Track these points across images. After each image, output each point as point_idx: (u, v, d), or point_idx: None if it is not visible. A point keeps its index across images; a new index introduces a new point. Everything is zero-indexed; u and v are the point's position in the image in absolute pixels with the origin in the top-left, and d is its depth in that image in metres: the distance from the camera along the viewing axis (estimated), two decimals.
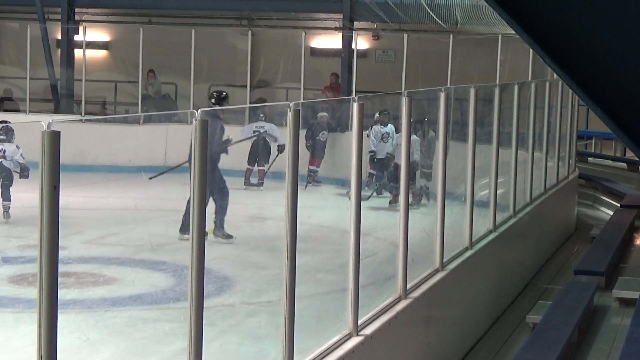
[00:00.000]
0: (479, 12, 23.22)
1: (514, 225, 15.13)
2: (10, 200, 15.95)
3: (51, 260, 4.87)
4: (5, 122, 17.76)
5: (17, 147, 16.43)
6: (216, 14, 27.66)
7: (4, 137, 16.46)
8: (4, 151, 16.42)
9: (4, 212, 15.89)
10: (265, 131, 20.99)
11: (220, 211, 14.63)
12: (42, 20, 27.24)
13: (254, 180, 21.04)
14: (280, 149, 18.78)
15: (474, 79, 19.58)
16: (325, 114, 21.32)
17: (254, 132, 20.44)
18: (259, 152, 21.19)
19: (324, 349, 8.07)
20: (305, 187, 20.17)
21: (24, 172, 16.05)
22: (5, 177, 16.22)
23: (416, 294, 10.27)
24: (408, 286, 10.12)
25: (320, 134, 21.66)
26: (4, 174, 16.23)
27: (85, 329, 10.81)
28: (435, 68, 23.83)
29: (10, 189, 16.07)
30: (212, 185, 13.51)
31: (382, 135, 19.18)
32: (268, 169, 20.54)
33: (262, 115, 21.32)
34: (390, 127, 19.03)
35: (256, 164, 21.11)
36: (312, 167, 21.35)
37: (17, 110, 27.45)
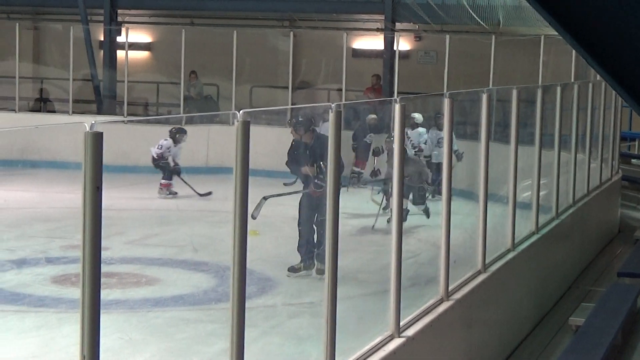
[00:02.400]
0: (521, 13, 23.13)
1: (556, 227, 15.06)
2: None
3: (94, 261, 4.89)
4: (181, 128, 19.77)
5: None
6: (258, 15, 27.69)
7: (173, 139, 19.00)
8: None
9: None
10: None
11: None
12: (85, 22, 27.39)
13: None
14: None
15: (516, 80, 19.45)
16: (374, 116, 21.23)
17: None
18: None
19: (366, 350, 8.06)
20: (347, 190, 20.18)
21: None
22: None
23: (458, 295, 10.25)
24: (450, 288, 10.10)
25: (367, 136, 21.60)
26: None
27: (127, 330, 10.85)
28: (477, 69, 23.73)
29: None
30: None
31: (439, 140, 18.86)
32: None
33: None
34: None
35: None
36: (356, 169, 21.29)
37: (53, 111, 27.64)
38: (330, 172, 7.46)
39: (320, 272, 11.92)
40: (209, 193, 18.48)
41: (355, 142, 21.28)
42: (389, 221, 15.77)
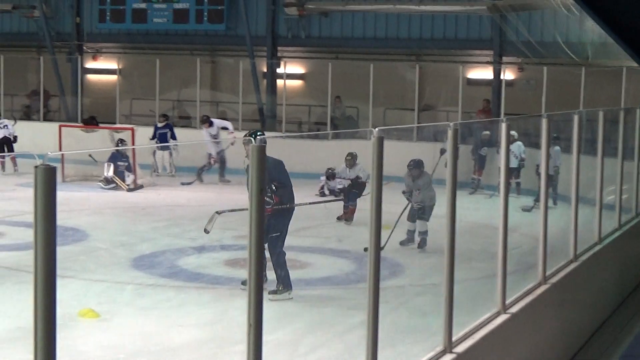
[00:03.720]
0: (607, 48, 22.65)
1: (636, 224, 14.81)
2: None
3: (258, 248, 4.95)
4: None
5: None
6: (390, 51, 27.70)
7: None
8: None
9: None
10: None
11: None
12: (252, 57, 27.75)
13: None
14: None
15: (602, 104, 19.10)
16: (488, 132, 21.15)
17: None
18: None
19: (477, 324, 8.01)
20: (470, 193, 20.07)
21: None
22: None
23: (554, 280, 10.13)
24: (547, 273, 9.98)
25: (482, 149, 21.54)
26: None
27: (284, 304, 10.95)
28: (569, 95, 23.44)
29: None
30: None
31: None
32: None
33: None
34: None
35: None
36: (474, 176, 21.33)
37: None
38: (449, 178, 7.42)
39: (273, 292, 10.99)
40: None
41: (473, 155, 21.28)
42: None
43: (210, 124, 23.33)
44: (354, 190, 17.42)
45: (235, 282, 11.82)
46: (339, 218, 17.12)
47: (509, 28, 25.58)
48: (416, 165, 15.26)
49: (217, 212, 11.34)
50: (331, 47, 28.20)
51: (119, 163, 21.57)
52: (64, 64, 30.33)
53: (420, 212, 14.62)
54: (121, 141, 22.83)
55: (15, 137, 25.09)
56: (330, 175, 20.70)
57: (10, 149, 25.13)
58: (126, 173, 21.67)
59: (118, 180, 21.40)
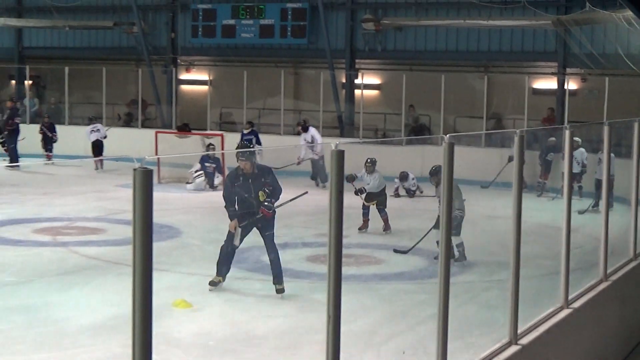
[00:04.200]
0: None
1: None
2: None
3: (337, 245, 4.96)
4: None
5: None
6: (460, 63, 27.51)
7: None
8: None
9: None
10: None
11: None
12: (332, 69, 27.78)
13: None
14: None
15: None
16: (553, 139, 20.94)
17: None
18: None
19: (541, 318, 7.93)
20: (537, 195, 19.84)
21: None
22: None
23: (614, 277, 9.98)
24: (608, 271, 9.83)
25: (548, 155, 21.33)
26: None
27: (361, 297, 10.94)
28: (630, 104, 23.02)
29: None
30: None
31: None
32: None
33: None
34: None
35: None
36: (540, 180, 21.10)
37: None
38: (515, 181, 7.34)
39: (281, 291, 10.99)
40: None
41: (540, 160, 21.07)
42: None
43: (306, 130, 23.34)
44: (379, 200, 16.16)
45: (315, 276, 11.87)
46: (360, 229, 15.88)
47: (573, 41, 25.27)
48: (437, 172, 13.33)
49: (239, 226, 11.13)
50: (405, 59, 28.14)
51: (206, 164, 21.85)
52: (160, 75, 30.71)
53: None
54: (210, 146, 23.10)
55: (104, 137, 26.40)
56: (403, 177, 20.69)
57: (101, 152, 26.14)
58: (216, 174, 21.93)
59: (204, 182, 21.73)
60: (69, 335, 9.46)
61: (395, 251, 13.79)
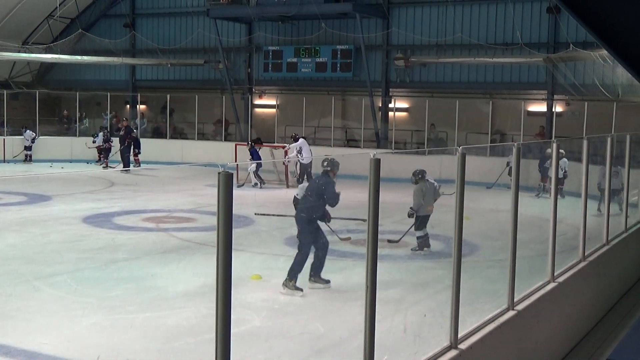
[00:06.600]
0: (634, 88, 21.86)
1: None
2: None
3: (374, 232, 4.95)
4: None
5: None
6: (470, 91, 27.30)
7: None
8: None
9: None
10: None
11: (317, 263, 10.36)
12: (371, 95, 27.72)
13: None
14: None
15: (630, 130, 18.40)
16: (549, 150, 20.61)
17: None
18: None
19: (532, 290, 7.86)
20: (537, 197, 19.55)
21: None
22: None
23: (591, 258, 9.83)
24: (586, 253, 9.69)
25: (547, 162, 21.03)
26: None
27: (392, 272, 10.93)
28: (604, 123, 22.81)
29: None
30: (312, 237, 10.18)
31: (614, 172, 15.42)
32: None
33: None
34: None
35: None
36: (540, 183, 20.82)
37: (355, 147, 28.07)
38: (513, 184, 7.26)
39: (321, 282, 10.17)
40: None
41: (539, 167, 20.79)
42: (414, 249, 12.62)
43: (296, 140, 22.84)
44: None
45: (357, 255, 11.83)
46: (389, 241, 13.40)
47: (559, 74, 25.06)
48: (415, 174, 12.91)
49: (255, 214, 10.82)
50: (428, 88, 28.01)
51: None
52: (239, 101, 30.92)
53: (415, 219, 12.61)
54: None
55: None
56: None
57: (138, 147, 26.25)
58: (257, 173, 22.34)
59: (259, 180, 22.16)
60: (167, 300, 9.56)
61: (389, 241, 13.29)
